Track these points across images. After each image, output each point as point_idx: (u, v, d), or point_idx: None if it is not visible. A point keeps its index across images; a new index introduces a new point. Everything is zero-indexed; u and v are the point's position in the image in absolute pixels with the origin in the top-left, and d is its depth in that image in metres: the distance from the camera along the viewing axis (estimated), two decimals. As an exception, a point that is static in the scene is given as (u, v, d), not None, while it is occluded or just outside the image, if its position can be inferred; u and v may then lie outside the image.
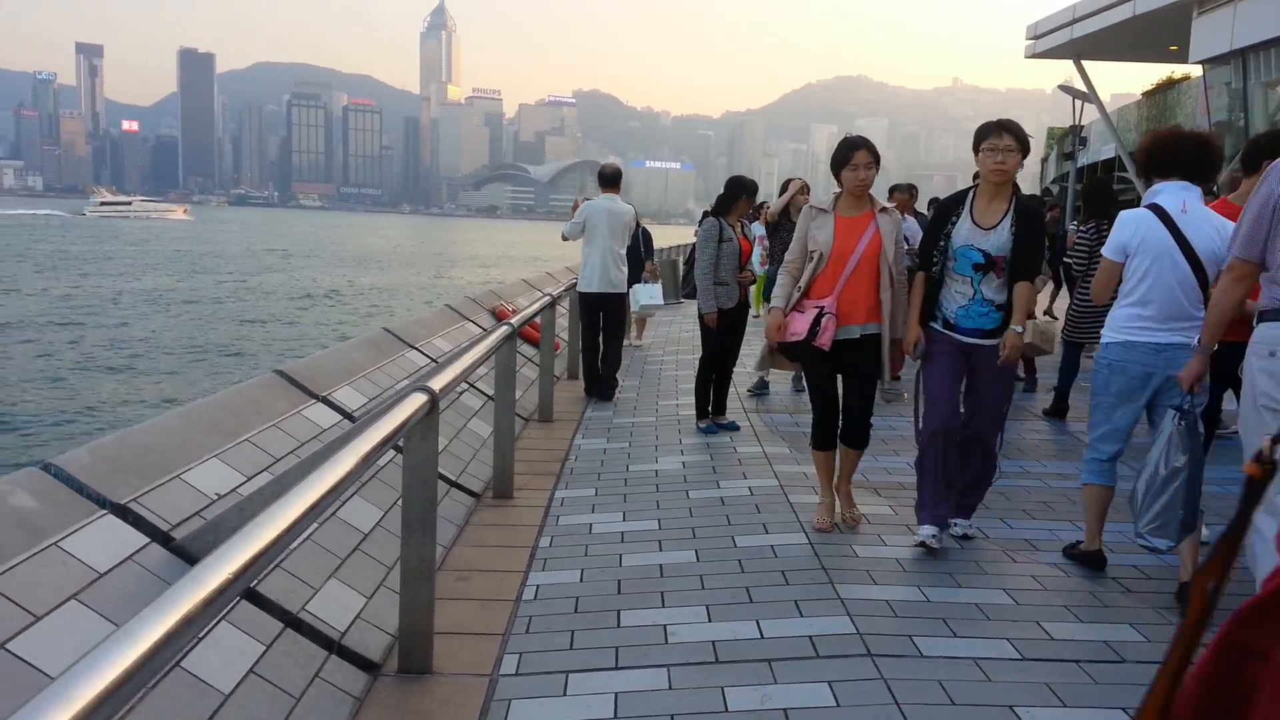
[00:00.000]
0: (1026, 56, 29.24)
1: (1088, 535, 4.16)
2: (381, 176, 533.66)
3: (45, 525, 2.78)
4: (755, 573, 4.13)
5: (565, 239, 8.44)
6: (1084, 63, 28.08)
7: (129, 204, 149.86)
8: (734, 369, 7.25)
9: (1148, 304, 3.89)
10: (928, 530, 4.31)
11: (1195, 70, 22.76)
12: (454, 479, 5.29)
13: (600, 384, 8.28)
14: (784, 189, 8.10)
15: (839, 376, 4.73)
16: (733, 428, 6.89)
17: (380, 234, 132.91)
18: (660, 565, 4.28)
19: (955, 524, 4.53)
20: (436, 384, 3.43)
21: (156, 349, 24.51)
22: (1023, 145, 4.14)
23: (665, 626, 3.62)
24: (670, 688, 3.14)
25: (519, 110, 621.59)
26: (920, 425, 4.44)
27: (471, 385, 7.06)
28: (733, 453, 6.29)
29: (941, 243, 4.26)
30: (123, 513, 3.08)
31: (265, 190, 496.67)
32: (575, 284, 9.91)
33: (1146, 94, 28.08)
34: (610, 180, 8.46)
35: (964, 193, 4.35)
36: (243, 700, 2.71)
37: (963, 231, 4.23)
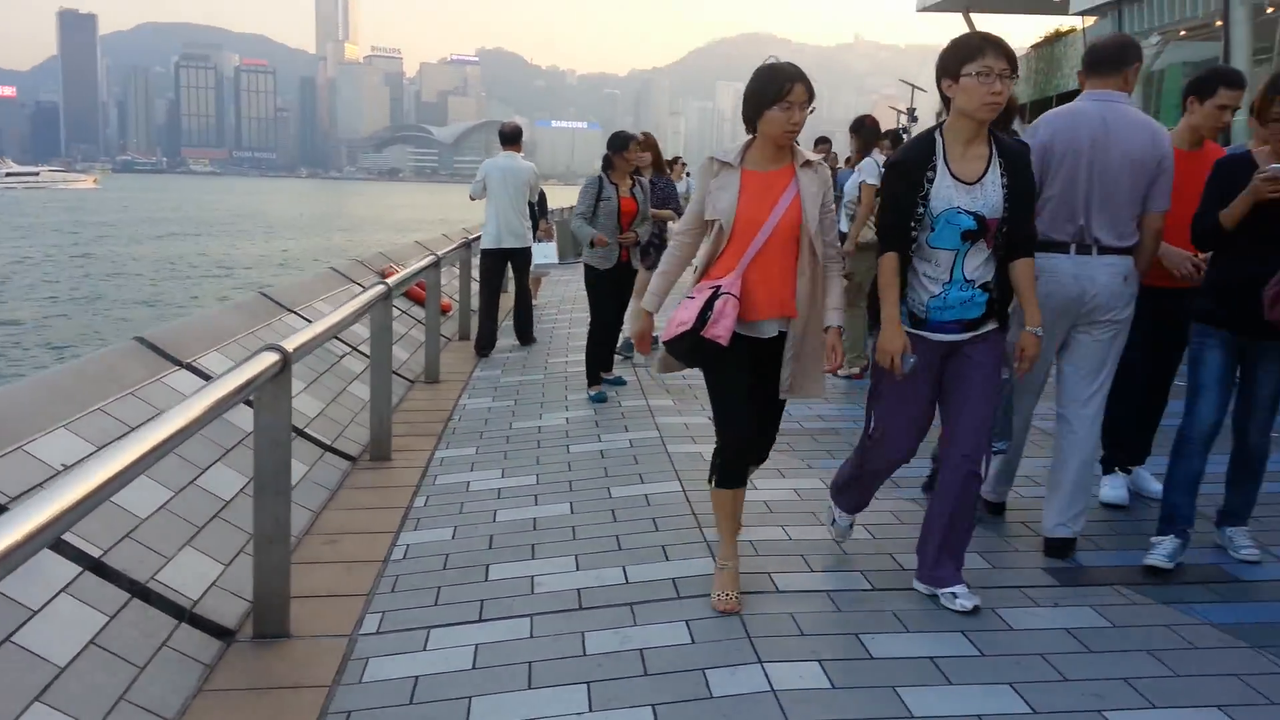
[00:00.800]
0: (918, 10, 29.72)
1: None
2: (277, 139, 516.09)
3: None
4: (627, 521, 4.18)
5: (472, 199, 8.80)
6: (973, 16, 28.67)
7: (36, 174, 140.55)
8: (621, 328, 7.20)
9: None
10: (844, 519, 3.76)
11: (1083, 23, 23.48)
12: (329, 443, 5.20)
13: (521, 333, 8.94)
14: None
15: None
16: (619, 383, 6.90)
17: (277, 199, 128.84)
18: (534, 519, 4.30)
19: (953, 594, 3.27)
20: (290, 344, 3.37)
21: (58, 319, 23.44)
22: (1014, 69, 3.14)
23: (533, 578, 3.64)
24: (531, 636, 3.17)
25: (420, 69, 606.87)
26: (866, 453, 3.51)
27: (354, 348, 6.94)
28: (617, 406, 6.32)
29: (920, 209, 3.16)
30: (-49, 487, 2.95)
31: (154, 156, 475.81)
32: (466, 243, 9.88)
33: (1034, 47, 28.85)
34: (510, 139, 8.82)
35: (927, 139, 3.26)
36: (80, 672, 2.64)
37: (943, 191, 3.16)
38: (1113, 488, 4.37)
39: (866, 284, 6.48)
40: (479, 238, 11.10)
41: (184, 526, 3.62)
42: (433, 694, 2.84)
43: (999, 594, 3.37)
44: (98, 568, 3.07)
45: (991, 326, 3.28)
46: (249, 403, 3.30)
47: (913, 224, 3.17)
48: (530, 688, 2.84)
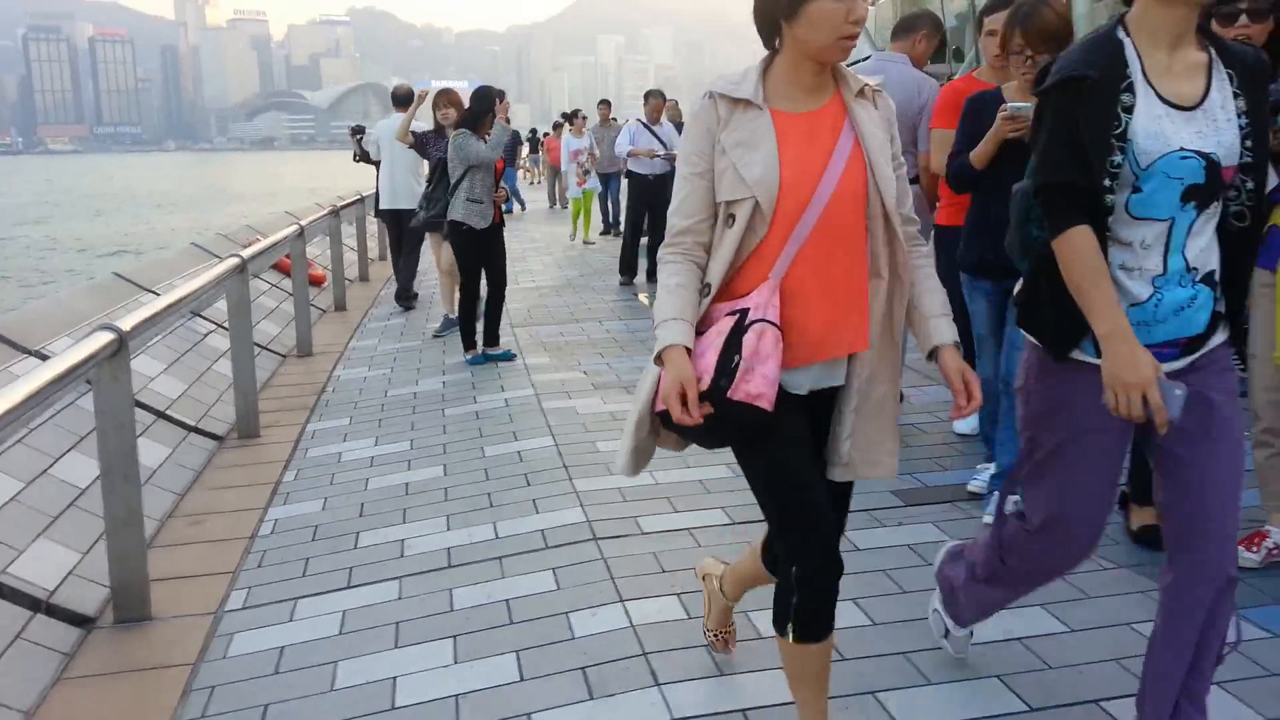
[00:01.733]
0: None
1: None
2: (140, 112, 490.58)
3: None
4: (499, 479, 4.23)
5: (371, 161, 9.42)
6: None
7: None
8: (505, 294, 7.05)
9: None
10: (961, 630, 2.56)
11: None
12: (193, 424, 5.09)
13: (399, 295, 9.05)
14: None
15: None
16: (506, 357, 6.51)
17: (149, 176, 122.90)
18: (406, 484, 4.31)
19: None
20: (126, 323, 3.30)
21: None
22: None
23: (403, 541, 3.67)
24: (400, 598, 3.22)
25: (288, 32, 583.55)
26: (1021, 550, 2.23)
27: (219, 326, 6.76)
28: (494, 367, 6.34)
29: (1118, 156, 1.89)
30: None
31: (7, 137, 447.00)
32: (335, 211, 9.68)
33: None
34: (402, 100, 8.99)
35: (1110, 40, 1.96)
36: (-78, 672, 2.58)
37: (1150, 123, 1.90)
38: (965, 419, 4.62)
39: None
40: (351, 204, 10.92)
41: (37, 517, 3.53)
42: (299, 662, 2.86)
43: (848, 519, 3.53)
44: (-60, 567, 2.98)
45: (1219, 341, 2.04)
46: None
47: (1107, 181, 1.91)
48: (397, 646, 2.89)
